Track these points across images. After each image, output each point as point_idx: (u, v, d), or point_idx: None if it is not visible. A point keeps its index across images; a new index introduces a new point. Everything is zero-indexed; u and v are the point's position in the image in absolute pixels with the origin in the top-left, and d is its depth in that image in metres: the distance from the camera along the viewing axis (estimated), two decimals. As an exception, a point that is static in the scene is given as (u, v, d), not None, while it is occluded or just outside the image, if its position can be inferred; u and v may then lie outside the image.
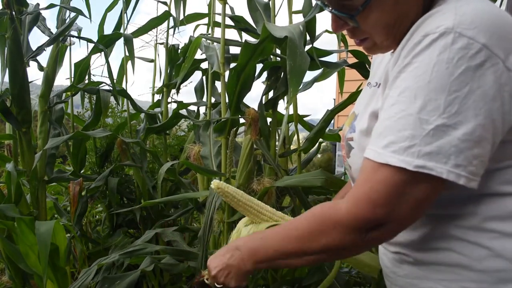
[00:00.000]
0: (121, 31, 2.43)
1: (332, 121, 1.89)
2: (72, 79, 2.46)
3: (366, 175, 0.68)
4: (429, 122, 0.62)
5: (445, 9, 0.68)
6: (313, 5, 1.69)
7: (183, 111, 2.20)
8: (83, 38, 2.17)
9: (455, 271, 0.72)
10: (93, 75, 2.65)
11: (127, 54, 2.45)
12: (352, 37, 0.80)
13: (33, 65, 2.04)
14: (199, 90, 2.43)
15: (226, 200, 0.99)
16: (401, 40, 0.75)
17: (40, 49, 2.00)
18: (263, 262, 0.82)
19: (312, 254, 0.75)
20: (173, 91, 2.45)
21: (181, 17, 2.26)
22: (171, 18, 2.41)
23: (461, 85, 0.62)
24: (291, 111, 1.87)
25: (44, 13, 2.09)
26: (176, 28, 2.35)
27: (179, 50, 2.47)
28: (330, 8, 0.75)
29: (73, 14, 2.08)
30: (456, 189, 0.66)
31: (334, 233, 0.70)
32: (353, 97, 1.67)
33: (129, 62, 2.45)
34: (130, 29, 2.92)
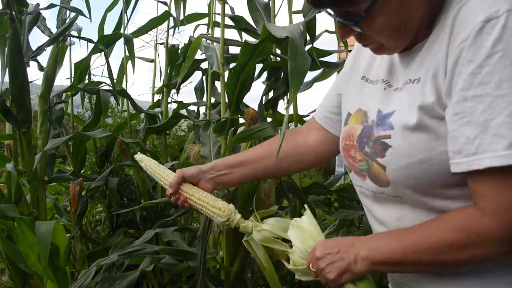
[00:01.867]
0: (121, 31, 2.43)
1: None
2: (72, 79, 2.46)
3: (496, 184, 0.64)
4: None
5: None
6: (313, 5, 1.68)
7: (183, 111, 2.20)
8: (83, 38, 2.17)
9: (484, 275, 0.72)
10: (93, 75, 2.66)
11: (127, 54, 2.45)
12: (360, 41, 0.79)
13: (33, 65, 2.04)
14: (199, 90, 2.43)
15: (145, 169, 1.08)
16: (409, 39, 0.74)
17: (40, 49, 2.00)
18: (382, 265, 0.76)
19: (449, 265, 0.71)
20: (173, 91, 2.45)
21: (181, 17, 2.26)
22: (171, 18, 2.41)
23: None
24: (291, 111, 1.87)
25: (44, 13, 2.10)
26: (176, 28, 2.35)
27: (179, 50, 2.47)
28: (335, 16, 0.74)
29: (73, 14, 2.08)
30: None
31: (486, 248, 0.67)
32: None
33: (129, 62, 2.45)
34: (130, 29, 2.92)
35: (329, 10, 0.74)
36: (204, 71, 2.30)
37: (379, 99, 0.81)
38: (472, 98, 0.64)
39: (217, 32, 1.99)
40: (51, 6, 2.04)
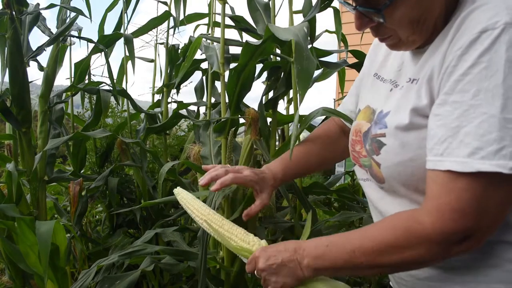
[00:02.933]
0: (121, 31, 2.43)
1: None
2: (72, 79, 2.45)
3: (444, 186, 0.65)
4: None
5: (491, 3, 0.67)
6: (313, 5, 1.69)
7: (183, 111, 2.20)
8: (83, 38, 2.17)
9: (484, 272, 0.71)
10: (93, 75, 2.65)
11: (127, 54, 2.45)
12: (376, 35, 0.79)
13: (33, 65, 2.03)
14: (199, 90, 2.43)
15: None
16: (427, 35, 0.74)
17: (40, 49, 1.99)
18: (326, 271, 0.77)
19: (387, 267, 0.72)
20: (173, 91, 2.45)
21: (181, 17, 2.26)
22: (171, 18, 2.41)
23: None
24: (291, 111, 1.87)
25: (44, 13, 2.09)
26: (176, 28, 2.35)
27: (179, 50, 2.47)
28: (354, 6, 0.74)
29: (73, 14, 2.07)
30: None
31: (420, 249, 0.67)
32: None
33: (129, 62, 2.44)
34: (130, 29, 2.92)
35: (348, 0, 0.74)
36: (204, 71, 2.30)
37: (384, 99, 0.83)
38: (451, 103, 0.66)
39: (217, 32, 1.99)
40: (51, 6, 2.04)
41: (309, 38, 1.63)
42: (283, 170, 1.05)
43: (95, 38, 2.33)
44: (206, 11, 2.30)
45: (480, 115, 0.62)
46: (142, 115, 2.65)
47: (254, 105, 1.72)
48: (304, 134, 2.25)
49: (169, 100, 2.43)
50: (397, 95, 0.80)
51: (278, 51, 1.82)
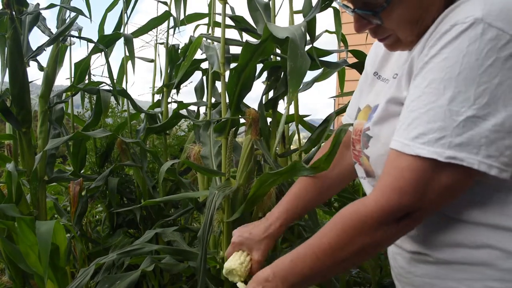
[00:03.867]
0: (121, 31, 2.43)
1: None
2: (72, 79, 2.45)
3: (391, 165, 0.68)
4: (459, 114, 0.62)
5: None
6: (314, 5, 1.69)
7: (183, 111, 2.20)
8: (83, 38, 2.17)
9: (479, 270, 0.71)
10: (93, 75, 2.65)
11: (127, 54, 2.45)
12: (375, 36, 0.80)
13: (33, 65, 2.03)
14: (199, 90, 2.43)
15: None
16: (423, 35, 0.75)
17: (40, 49, 1.99)
18: (300, 285, 0.78)
19: (350, 258, 0.72)
20: (173, 91, 2.45)
21: (181, 17, 2.26)
22: (171, 18, 2.41)
23: (490, 76, 0.62)
24: (291, 111, 1.87)
25: (44, 13, 2.09)
26: (176, 28, 2.35)
27: (179, 50, 2.47)
28: (353, 8, 0.74)
29: (73, 14, 2.08)
30: (485, 184, 0.67)
31: (367, 229, 0.69)
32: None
33: (129, 62, 2.44)
34: (130, 29, 2.91)
35: (346, 3, 0.75)
36: (204, 71, 2.30)
37: (379, 94, 0.84)
38: (412, 88, 0.69)
39: (217, 32, 1.99)
40: (51, 6, 2.04)
41: (309, 38, 1.63)
42: (286, 213, 1.03)
43: (95, 38, 2.34)
44: (206, 11, 2.30)
45: (430, 103, 0.65)
46: (142, 115, 2.65)
47: (254, 105, 1.72)
48: (305, 134, 2.25)
49: (169, 100, 2.43)
50: (385, 90, 0.82)
51: (278, 51, 1.82)
